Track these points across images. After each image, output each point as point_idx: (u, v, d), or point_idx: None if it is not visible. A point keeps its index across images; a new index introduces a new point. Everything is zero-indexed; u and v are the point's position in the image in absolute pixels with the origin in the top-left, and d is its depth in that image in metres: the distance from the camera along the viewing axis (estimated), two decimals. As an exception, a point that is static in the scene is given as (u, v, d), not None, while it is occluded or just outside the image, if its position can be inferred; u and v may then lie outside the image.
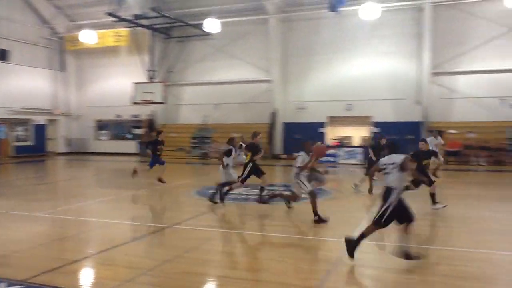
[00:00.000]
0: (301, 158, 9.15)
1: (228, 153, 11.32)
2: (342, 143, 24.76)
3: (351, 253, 6.19)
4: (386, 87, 25.20)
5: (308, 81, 27.02)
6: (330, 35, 25.96)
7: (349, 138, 27.46)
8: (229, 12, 26.59)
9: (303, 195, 9.33)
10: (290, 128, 27.18)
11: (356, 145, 25.93)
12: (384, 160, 6.52)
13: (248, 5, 26.95)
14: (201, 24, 25.78)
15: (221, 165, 11.25)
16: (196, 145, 28.38)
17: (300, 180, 8.96)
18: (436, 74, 24.38)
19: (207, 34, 27.08)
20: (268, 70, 27.55)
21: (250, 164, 10.98)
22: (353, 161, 23.06)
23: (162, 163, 14.61)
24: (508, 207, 11.39)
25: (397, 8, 24.38)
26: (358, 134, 27.83)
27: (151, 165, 14.51)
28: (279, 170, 22.45)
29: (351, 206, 11.16)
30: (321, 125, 26.64)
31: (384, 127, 25.18)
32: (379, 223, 6.24)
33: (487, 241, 7.81)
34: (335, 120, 27.27)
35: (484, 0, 23.06)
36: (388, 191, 6.19)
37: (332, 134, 27.02)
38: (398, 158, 6.34)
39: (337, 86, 26.06)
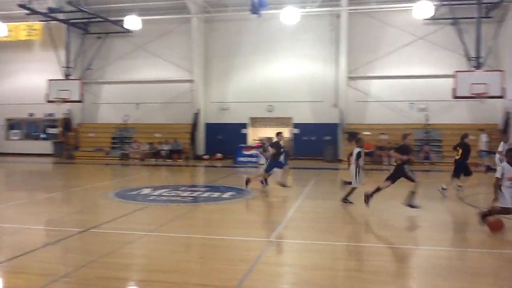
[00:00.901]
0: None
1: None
2: (264, 143, 25.11)
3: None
4: (306, 90, 26.04)
5: (231, 82, 27.22)
6: (252, 37, 26.36)
7: (270, 139, 27.98)
8: (151, 10, 26.11)
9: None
10: (213, 128, 27.24)
11: (277, 145, 26.48)
12: None
13: (171, 4, 26.63)
14: (122, 20, 25.08)
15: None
16: (116, 146, 27.53)
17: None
18: (352, 78, 25.59)
19: (127, 31, 26.42)
20: (190, 70, 27.38)
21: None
22: (274, 162, 23.45)
23: None
24: (426, 204, 12.18)
25: (316, 14, 25.29)
26: (279, 135, 28.47)
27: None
28: (202, 171, 22.41)
29: (271, 207, 11.40)
30: (244, 126, 26.96)
31: (304, 129, 26.06)
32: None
33: (396, 237, 8.34)
34: (257, 121, 27.73)
35: (396, 10, 24.55)
36: None
37: (254, 135, 27.42)
38: None
39: (259, 87, 26.49)
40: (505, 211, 8.12)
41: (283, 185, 13.51)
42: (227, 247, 7.39)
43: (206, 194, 13.11)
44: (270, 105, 26.53)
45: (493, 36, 22.54)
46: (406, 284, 5.87)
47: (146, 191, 13.32)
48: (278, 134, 13.93)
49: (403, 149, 10.36)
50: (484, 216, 8.34)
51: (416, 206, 10.15)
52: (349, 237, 8.43)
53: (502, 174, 8.02)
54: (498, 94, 20.36)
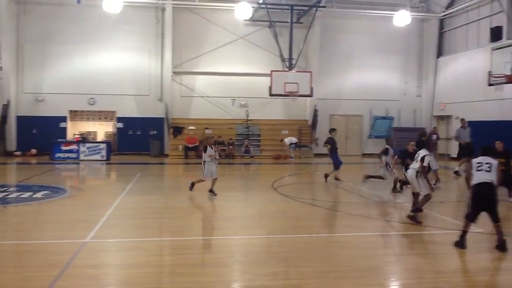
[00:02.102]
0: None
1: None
2: (85, 138, 23.81)
3: None
4: (131, 83, 25.35)
5: (48, 71, 24.99)
6: (73, 24, 24.61)
7: (92, 133, 26.69)
8: None
9: None
10: (26, 122, 24.67)
11: (100, 140, 25.32)
12: None
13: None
14: None
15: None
16: None
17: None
18: (177, 73, 25.76)
19: None
20: (-2, 56, 24.36)
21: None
22: (97, 157, 22.40)
23: None
24: (236, 196, 12.90)
25: (140, 5, 24.79)
26: (102, 129, 27.29)
27: None
28: (13, 168, 20.25)
29: (90, 205, 10.89)
30: (63, 119, 25.09)
31: (129, 123, 25.37)
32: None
33: (219, 228, 8.72)
34: (78, 115, 26.13)
35: (219, 9, 25.41)
36: None
37: (74, 129, 25.75)
38: None
39: (80, 78, 24.86)
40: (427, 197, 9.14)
41: None
42: (39, 252, 6.85)
43: (15, 195, 11.91)
44: (92, 98, 25.13)
45: (303, 40, 24.89)
46: (224, 273, 6.17)
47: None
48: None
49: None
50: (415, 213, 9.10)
51: None
52: (169, 232, 8.52)
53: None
54: (307, 93, 22.60)
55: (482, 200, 7.12)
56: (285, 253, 7.05)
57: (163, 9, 25.14)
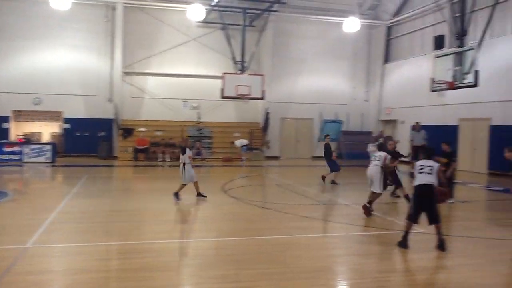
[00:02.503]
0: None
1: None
2: (29, 139, 22.90)
3: None
4: (78, 83, 24.61)
5: (-12, 69, 23.84)
6: (16, 20, 23.62)
7: (37, 134, 25.71)
8: None
9: None
10: (-36, 122, 23.44)
11: (45, 141, 24.40)
12: None
13: None
14: None
15: None
16: None
17: None
18: (128, 73, 25.25)
19: None
20: None
21: None
22: (41, 159, 21.56)
23: None
24: (186, 199, 12.78)
25: (90, 3, 24.14)
26: (48, 130, 26.37)
27: None
28: None
29: (33, 209, 10.48)
30: (5, 119, 24.00)
31: (76, 124, 24.64)
32: None
33: (168, 232, 8.60)
34: (22, 115, 25.06)
35: (171, 10, 25.14)
36: None
37: (18, 130, 24.70)
38: None
39: (24, 77, 23.87)
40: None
41: None
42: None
43: (-50, 199, 11.28)
44: (37, 97, 24.16)
45: (256, 43, 25.05)
46: (171, 277, 6.10)
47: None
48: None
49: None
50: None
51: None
52: (115, 236, 8.33)
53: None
54: (259, 96, 22.75)
55: (422, 201, 7.41)
56: (235, 255, 7.07)
57: (114, 8, 24.60)
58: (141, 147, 23.42)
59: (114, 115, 24.47)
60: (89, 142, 24.34)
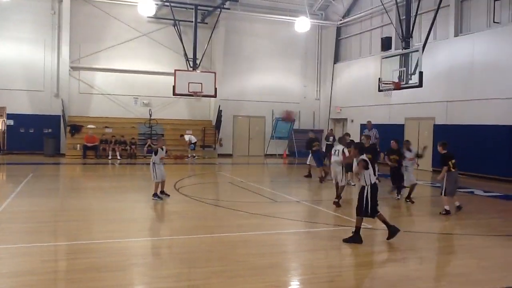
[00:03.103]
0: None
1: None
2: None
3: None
4: (23, 77, 23.65)
5: None
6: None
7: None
8: None
9: None
10: None
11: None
12: None
13: None
14: None
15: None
16: None
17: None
18: (76, 68, 24.50)
19: None
20: None
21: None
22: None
23: None
24: (136, 197, 12.62)
25: (35, -6, 23.21)
26: (-12, 126, 25.19)
27: None
28: None
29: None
30: None
31: (21, 120, 23.68)
32: None
33: (117, 231, 8.44)
34: (-40, 110, 23.81)
35: (121, 4, 24.60)
36: None
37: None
38: None
39: (-37, 70, 22.73)
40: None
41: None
42: None
43: None
44: (-23, 92, 23.06)
45: (208, 40, 24.93)
46: (121, 277, 5.99)
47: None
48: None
49: None
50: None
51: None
52: (63, 236, 8.13)
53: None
54: (211, 93, 22.67)
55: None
56: (187, 254, 7.06)
57: (60, 0, 23.77)
58: (90, 145, 22.79)
59: (61, 111, 23.68)
60: (34, 139, 23.42)
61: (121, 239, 7.84)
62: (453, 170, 10.37)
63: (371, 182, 7.68)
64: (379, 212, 7.77)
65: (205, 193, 13.63)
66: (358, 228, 7.70)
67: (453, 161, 10.42)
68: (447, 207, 10.28)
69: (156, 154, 11.56)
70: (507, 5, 17.52)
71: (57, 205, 11.00)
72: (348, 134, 14.61)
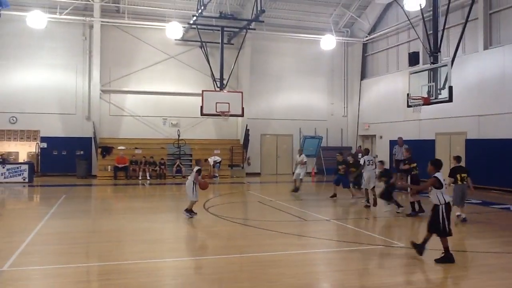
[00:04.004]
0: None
1: None
2: (5, 159, 22.45)
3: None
4: (56, 101, 24.38)
5: (-40, 88, 23.42)
6: (-9, 39, 23.36)
7: (14, 154, 25.26)
8: None
9: None
10: None
11: (21, 161, 23.98)
12: None
13: None
14: None
15: None
16: None
17: None
18: (106, 91, 25.10)
19: None
20: None
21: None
22: (18, 179, 21.13)
23: None
24: (166, 217, 12.70)
25: (67, 21, 23.98)
26: (24, 150, 25.96)
27: None
28: None
29: (9, 231, 10.24)
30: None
31: (54, 142, 24.30)
32: None
33: (148, 251, 8.47)
34: (-3, 134, 24.65)
35: (150, 28, 25.19)
36: None
37: (-6, 149, 24.24)
38: None
39: (0, 96, 23.57)
40: None
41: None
42: None
43: None
44: (13, 117, 23.82)
45: (234, 60, 25.20)
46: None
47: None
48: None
49: None
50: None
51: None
52: (95, 257, 8.22)
53: None
54: (239, 113, 22.81)
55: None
56: (217, 274, 7.03)
57: (91, 26, 24.53)
58: (120, 166, 23.17)
59: (92, 134, 24.22)
60: (67, 161, 24.00)
61: (152, 260, 7.86)
62: (460, 183, 10.86)
63: (445, 201, 7.53)
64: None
65: (234, 212, 13.61)
66: (446, 248, 7.46)
67: (464, 175, 10.93)
68: (458, 213, 10.90)
69: (199, 174, 11.83)
70: (538, 16, 17.16)
71: (89, 226, 11.17)
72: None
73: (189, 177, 12.12)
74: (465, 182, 10.94)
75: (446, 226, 7.44)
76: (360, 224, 10.75)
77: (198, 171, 11.87)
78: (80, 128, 24.60)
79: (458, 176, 10.88)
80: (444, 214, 7.45)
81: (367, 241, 9.43)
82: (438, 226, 7.47)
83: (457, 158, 11.43)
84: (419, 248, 7.66)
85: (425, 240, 7.66)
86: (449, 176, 10.96)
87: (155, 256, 8.20)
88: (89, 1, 23.85)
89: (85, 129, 24.53)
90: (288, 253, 8.38)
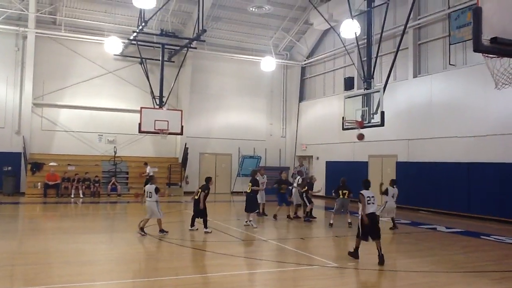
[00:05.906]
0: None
1: None
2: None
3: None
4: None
5: None
6: None
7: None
8: None
9: None
10: None
11: None
12: None
13: None
14: None
15: None
16: None
17: None
18: (39, 105, 24.08)
19: None
20: None
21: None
22: None
23: None
24: (99, 238, 12.26)
25: (-1, 31, 22.95)
26: None
27: None
28: None
29: None
30: None
31: (-22, 158, 22.86)
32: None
33: (79, 274, 8.13)
34: None
35: (87, 42, 24.57)
36: None
37: None
38: None
39: None
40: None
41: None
42: None
43: None
44: None
45: (175, 78, 25.04)
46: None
47: None
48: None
49: None
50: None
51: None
52: (21, 281, 7.79)
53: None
54: (178, 131, 22.60)
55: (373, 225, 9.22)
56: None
57: (25, 37, 23.56)
58: (51, 183, 22.19)
59: (22, 149, 23.07)
60: (-8, 177, 22.63)
61: (81, 283, 7.56)
62: (341, 197, 14.25)
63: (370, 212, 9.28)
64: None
65: (171, 232, 13.37)
66: (357, 247, 9.29)
67: (345, 191, 14.23)
68: (331, 221, 14.32)
69: (157, 192, 11.98)
70: (460, 49, 18.48)
71: (14, 248, 10.57)
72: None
73: (147, 198, 12.02)
74: (345, 197, 14.17)
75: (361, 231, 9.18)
76: (297, 245, 10.92)
77: (156, 190, 12.04)
78: (8, 143, 23.35)
79: (340, 192, 14.25)
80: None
81: (302, 261, 9.59)
82: (359, 231, 9.23)
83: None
84: (354, 254, 9.24)
85: (357, 247, 9.25)
86: (334, 192, 14.56)
87: (85, 279, 7.88)
88: (24, 11, 22.97)
89: (14, 144, 23.33)
90: (223, 274, 8.36)
